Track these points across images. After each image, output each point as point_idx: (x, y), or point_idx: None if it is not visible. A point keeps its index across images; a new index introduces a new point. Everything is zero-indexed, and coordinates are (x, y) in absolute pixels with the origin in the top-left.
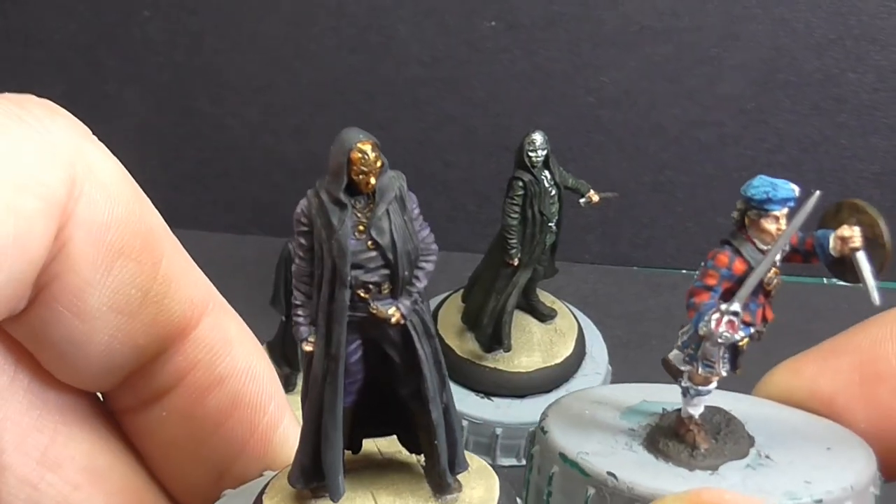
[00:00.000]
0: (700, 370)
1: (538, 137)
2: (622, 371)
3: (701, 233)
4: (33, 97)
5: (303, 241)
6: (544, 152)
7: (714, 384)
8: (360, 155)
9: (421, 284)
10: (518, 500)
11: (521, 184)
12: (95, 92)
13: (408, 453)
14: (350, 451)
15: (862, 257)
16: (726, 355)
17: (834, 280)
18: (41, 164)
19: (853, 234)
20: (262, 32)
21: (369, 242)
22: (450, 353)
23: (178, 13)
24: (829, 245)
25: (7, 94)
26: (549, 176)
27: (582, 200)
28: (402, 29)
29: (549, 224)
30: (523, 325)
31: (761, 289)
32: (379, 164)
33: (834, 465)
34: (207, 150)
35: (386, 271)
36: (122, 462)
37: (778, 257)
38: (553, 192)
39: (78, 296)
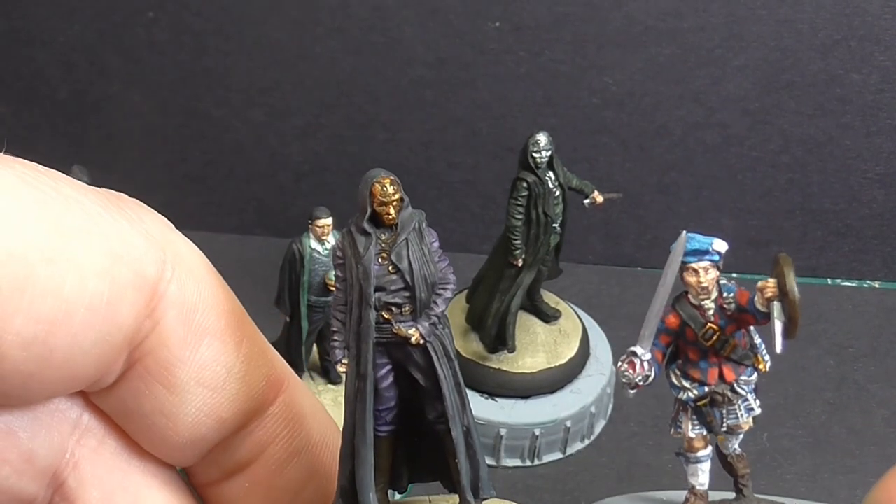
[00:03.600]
0: (671, 430)
1: (542, 138)
2: None
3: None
4: (126, 195)
5: (339, 272)
6: (548, 153)
7: (705, 452)
8: (380, 187)
9: (439, 309)
10: None
11: (525, 185)
12: (100, 93)
13: (454, 499)
14: (396, 491)
15: (776, 308)
16: (694, 418)
17: (838, 280)
18: (136, 242)
19: (767, 285)
20: (266, 34)
21: (390, 267)
22: None
23: (182, 14)
24: (755, 299)
25: (107, 190)
26: (553, 177)
27: (586, 201)
28: (407, 30)
29: (554, 225)
30: (527, 326)
31: (707, 347)
32: (398, 196)
33: None
34: (212, 152)
35: (406, 293)
36: None
37: (710, 312)
38: (557, 193)
39: (169, 370)
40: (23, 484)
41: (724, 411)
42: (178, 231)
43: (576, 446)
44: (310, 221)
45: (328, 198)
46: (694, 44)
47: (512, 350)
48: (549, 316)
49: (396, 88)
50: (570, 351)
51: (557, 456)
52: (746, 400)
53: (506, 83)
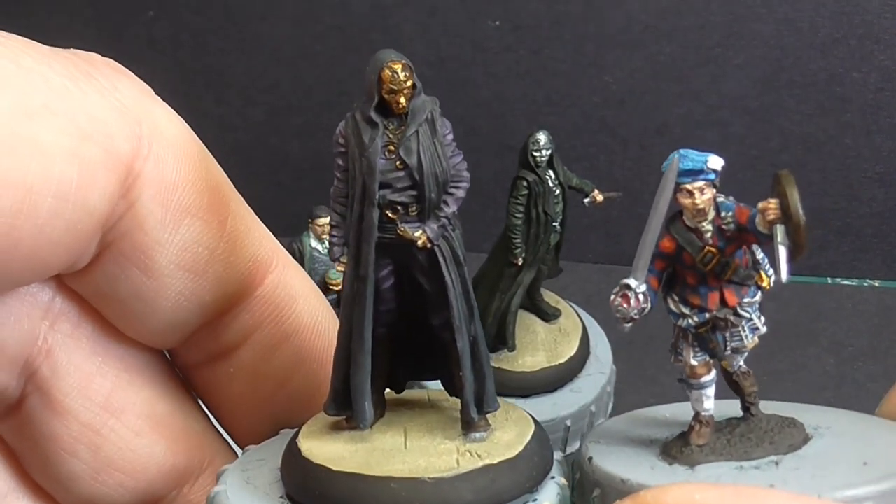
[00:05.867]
0: (672, 358)
1: (542, 137)
2: (626, 371)
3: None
4: (99, 56)
5: (339, 161)
6: (548, 152)
7: (708, 377)
8: (390, 73)
9: (450, 210)
10: (557, 452)
11: (525, 183)
12: None
13: (454, 400)
14: (393, 391)
15: (779, 231)
16: (695, 344)
17: (838, 279)
18: (107, 118)
19: (769, 206)
20: (266, 32)
21: (398, 162)
22: None
23: (182, 13)
24: (756, 220)
25: (75, 51)
26: (553, 175)
27: (586, 200)
28: (407, 28)
29: (554, 224)
30: (527, 325)
31: (706, 272)
32: (409, 83)
33: (843, 482)
34: (212, 150)
35: (413, 192)
36: (182, 410)
37: (708, 234)
38: (557, 192)
39: (146, 253)
40: None
41: (728, 335)
42: (157, 98)
43: (576, 445)
44: (309, 220)
45: (328, 197)
46: (694, 42)
47: (512, 349)
48: (549, 315)
49: None
50: (570, 350)
51: (557, 455)
52: (751, 320)
53: (505, 82)
